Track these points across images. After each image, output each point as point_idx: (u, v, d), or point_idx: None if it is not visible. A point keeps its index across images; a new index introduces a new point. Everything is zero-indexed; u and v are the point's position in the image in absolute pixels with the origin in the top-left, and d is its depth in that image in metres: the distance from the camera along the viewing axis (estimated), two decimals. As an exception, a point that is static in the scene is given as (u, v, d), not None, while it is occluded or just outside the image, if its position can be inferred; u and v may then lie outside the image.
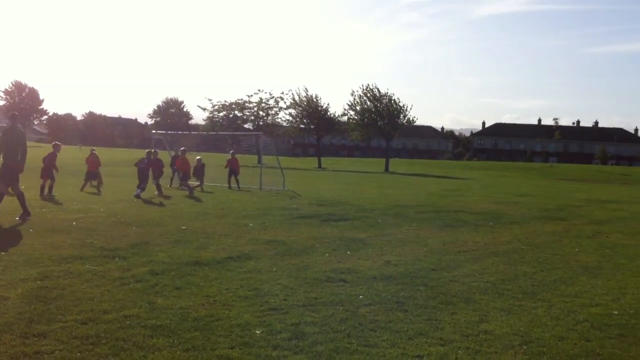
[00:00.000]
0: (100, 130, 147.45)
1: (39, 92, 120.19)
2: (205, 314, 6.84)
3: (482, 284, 8.95)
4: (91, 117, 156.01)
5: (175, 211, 16.60)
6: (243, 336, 6.12)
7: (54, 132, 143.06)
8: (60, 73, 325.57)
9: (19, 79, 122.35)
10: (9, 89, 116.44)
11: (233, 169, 27.72)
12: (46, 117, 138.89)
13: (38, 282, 7.99)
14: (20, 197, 13.80)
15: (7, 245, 10.38)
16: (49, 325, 6.20)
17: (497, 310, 7.51)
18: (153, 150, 23.76)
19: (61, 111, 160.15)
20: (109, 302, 7.13)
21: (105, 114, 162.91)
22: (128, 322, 6.38)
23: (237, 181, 27.52)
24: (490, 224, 16.33)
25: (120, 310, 6.82)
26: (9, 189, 14.15)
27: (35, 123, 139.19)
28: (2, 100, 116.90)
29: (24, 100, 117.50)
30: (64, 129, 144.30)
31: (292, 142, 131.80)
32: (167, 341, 5.87)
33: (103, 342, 5.77)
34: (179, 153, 25.63)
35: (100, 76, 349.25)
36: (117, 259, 9.65)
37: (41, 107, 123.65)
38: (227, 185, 27.43)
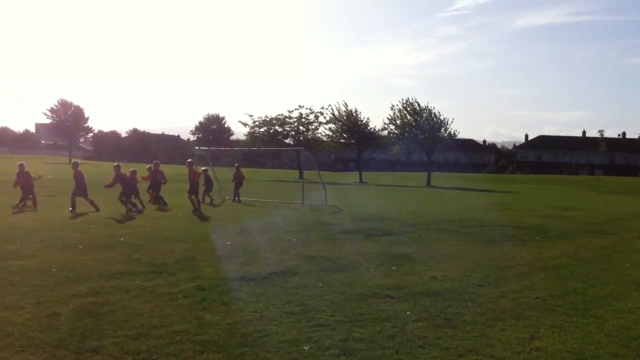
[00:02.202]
0: (144, 147, 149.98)
1: (84, 110, 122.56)
2: (253, 329, 6.87)
3: (531, 300, 8.79)
4: (135, 134, 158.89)
5: (219, 227, 16.73)
6: (291, 352, 6.12)
7: (98, 149, 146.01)
8: (105, 91, 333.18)
9: (64, 98, 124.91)
10: (55, 107, 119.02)
11: (237, 181, 27.79)
12: (91, 134, 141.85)
13: (89, 297, 8.13)
14: None
15: (58, 262, 10.60)
16: (101, 340, 6.30)
17: (549, 327, 7.37)
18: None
19: (106, 129, 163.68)
20: (159, 318, 7.21)
21: (149, 131, 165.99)
22: (178, 338, 6.44)
23: (237, 194, 27.65)
24: (537, 238, 16.05)
25: (169, 325, 6.90)
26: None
27: (81, 140, 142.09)
28: (48, 118, 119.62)
29: (70, 118, 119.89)
30: (109, 146, 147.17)
31: (332, 157, 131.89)
32: (216, 357, 5.91)
33: (154, 357, 5.83)
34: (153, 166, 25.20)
35: (144, 94, 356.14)
36: (164, 274, 9.77)
37: (86, 124, 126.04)
38: (233, 197, 27.59)
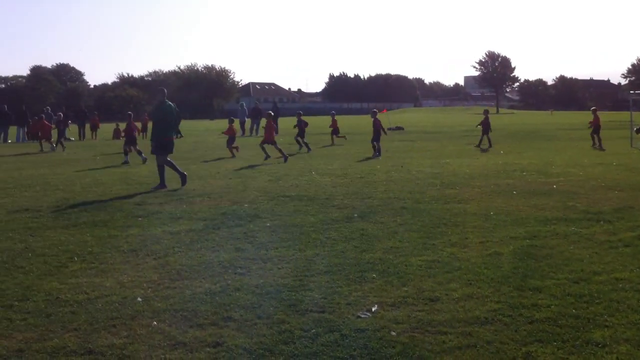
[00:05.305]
0: (572, 94, 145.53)
1: (511, 60, 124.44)
2: None
3: None
4: (562, 81, 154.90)
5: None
6: None
7: (525, 98, 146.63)
8: (531, 40, 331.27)
9: (492, 49, 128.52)
10: (483, 60, 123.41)
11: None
12: (517, 84, 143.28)
13: (527, 240, 8.48)
14: (161, 169, 14.36)
15: (495, 206, 11.23)
16: (542, 281, 6.56)
17: None
18: None
19: (532, 77, 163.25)
20: (598, 264, 7.17)
21: (577, 77, 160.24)
22: (620, 285, 6.34)
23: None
24: None
25: (610, 272, 6.81)
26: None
27: (507, 90, 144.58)
28: (477, 70, 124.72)
29: (497, 69, 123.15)
30: (535, 94, 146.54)
31: None
32: (671, 307, 5.66)
33: (597, 301, 5.86)
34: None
35: (569, 42, 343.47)
36: (601, 222, 9.58)
37: (513, 74, 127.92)
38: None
